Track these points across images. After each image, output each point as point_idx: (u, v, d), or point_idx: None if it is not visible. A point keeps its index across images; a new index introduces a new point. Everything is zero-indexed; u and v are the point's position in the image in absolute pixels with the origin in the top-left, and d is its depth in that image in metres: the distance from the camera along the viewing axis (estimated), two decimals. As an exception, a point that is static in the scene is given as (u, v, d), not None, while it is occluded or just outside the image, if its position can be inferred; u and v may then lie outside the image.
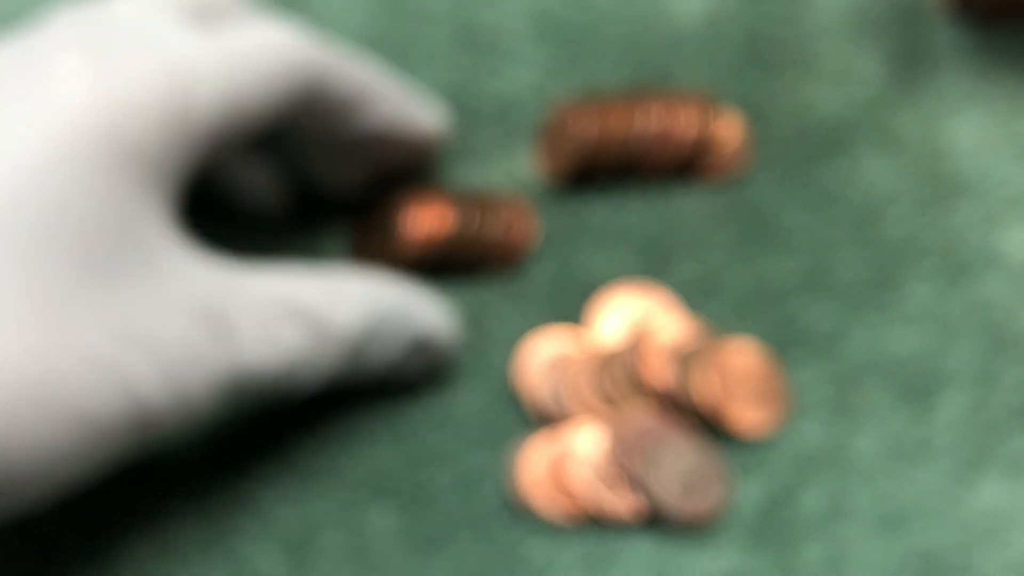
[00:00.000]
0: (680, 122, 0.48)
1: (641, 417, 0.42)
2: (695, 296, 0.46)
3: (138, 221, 0.35)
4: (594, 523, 0.41)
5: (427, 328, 0.42)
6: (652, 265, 0.47)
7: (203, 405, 0.35)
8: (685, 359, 0.43)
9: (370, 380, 0.41)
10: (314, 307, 0.38)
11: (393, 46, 0.53)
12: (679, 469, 0.41)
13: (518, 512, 0.41)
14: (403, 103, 0.44)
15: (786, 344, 0.45)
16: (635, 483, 0.41)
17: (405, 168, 0.47)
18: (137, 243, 0.34)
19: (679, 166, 0.48)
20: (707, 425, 0.43)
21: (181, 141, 0.36)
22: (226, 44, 0.38)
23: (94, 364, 0.33)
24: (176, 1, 0.39)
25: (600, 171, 0.48)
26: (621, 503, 0.41)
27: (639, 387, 0.43)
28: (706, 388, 0.42)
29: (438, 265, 0.46)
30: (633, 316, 0.45)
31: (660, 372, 0.43)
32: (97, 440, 0.33)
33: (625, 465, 0.41)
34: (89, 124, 0.34)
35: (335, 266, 0.43)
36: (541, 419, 0.43)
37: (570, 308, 0.46)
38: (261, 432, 0.43)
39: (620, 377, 0.43)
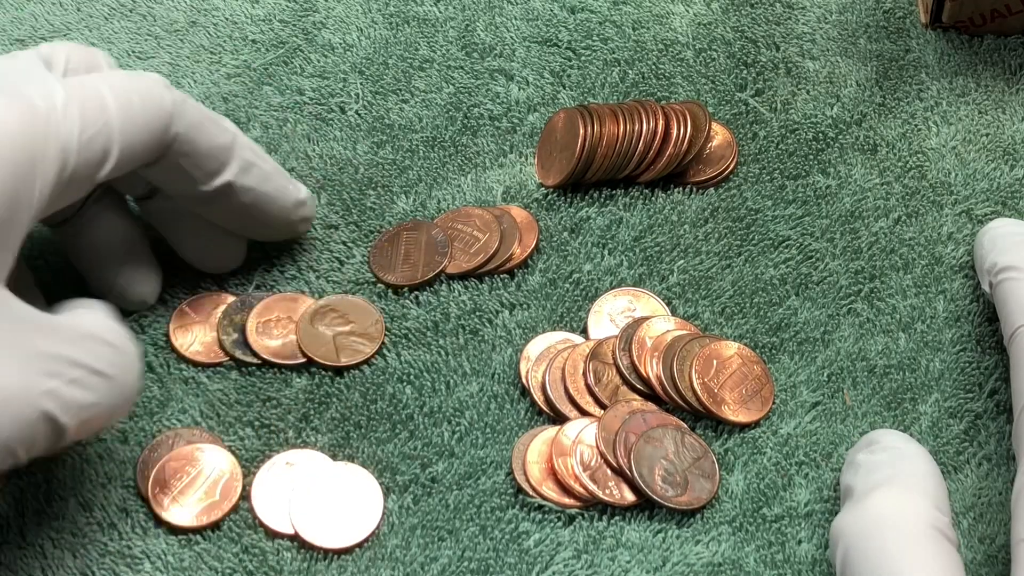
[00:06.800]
0: (673, 129, 0.49)
1: (635, 413, 0.43)
2: (687, 297, 0.47)
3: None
4: (592, 514, 0.42)
5: None
6: (645, 267, 0.48)
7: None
8: (677, 358, 0.44)
9: None
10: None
11: (395, 53, 0.54)
12: (671, 463, 0.42)
13: (520, 503, 0.42)
14: (270, 174, 0.44)
15: (775, 345, 0.46)
16: (629, 477, 0.42)
17: (271, 239, 0.47)
18: None
19: (672, 171, 0.49)
20: (698, 421, 0.44)
21: (40, 191, 0.37)
22: (91, 88, 0.39)
23: None
24: (48, 54, 0.41)
25: (596, 176, 0.49)
26: (617, 495, 0.42)
27: (633, 385, 0.44)
28: (697, 386, 0.43)
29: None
30: (627, 316, 0.46)
31: (653, 370, 0.44)
32: None
33: (620, 459, 0.42)
34: None
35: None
36: (540, 415, 0.44)
37: (566, 308, 0.47)
38: (280, 436, 0.44)
39: (614, 375, 0.44)
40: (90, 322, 0.38)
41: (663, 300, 0.47)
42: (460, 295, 0.47)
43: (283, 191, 0.45)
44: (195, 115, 0.41)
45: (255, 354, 0.45)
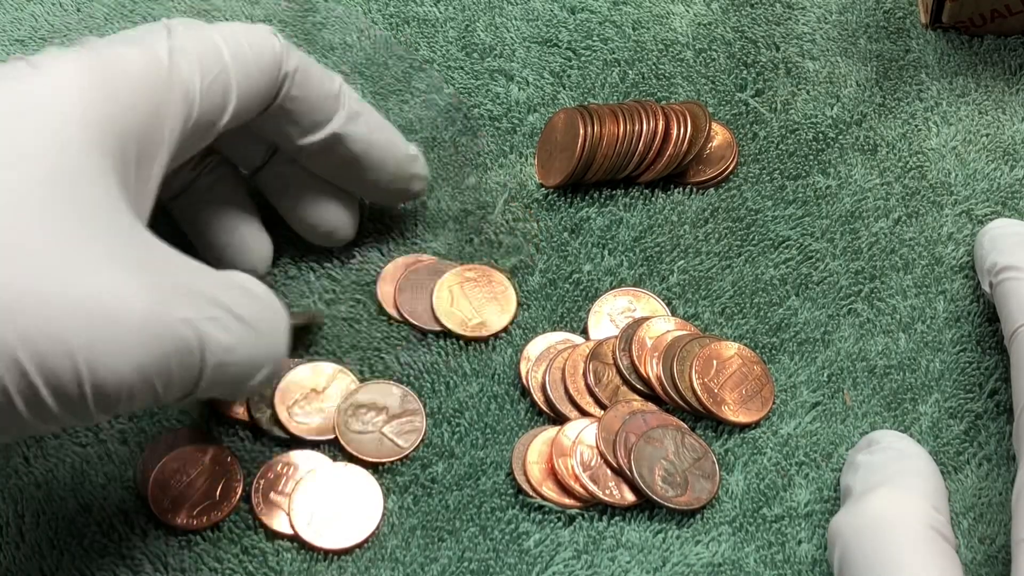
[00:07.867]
0: (673, 129, 0.49)
1: (635, 414, 0.43)
2: (687, 297, 0.47)
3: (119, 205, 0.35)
4: (592, 514, 0.42)
5: None
6: (645, 267, 0.48)
7: None
8: (677, 358, 0.44)
9: None
10: None
11: (395, 53, 0.54)
12: (671, 463, 0.42)
13: (520, 504, 0.42)
14: (379, 125, 0.45)
15: (775, 345, 0.46)
16: (629, 477, 0.42)
17: (387, 200, 0.48)
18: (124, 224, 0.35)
19: (672, 171, 0.49)
20: (698, 421, 0.44)
21: (170, 133, 0.37)
22: (205, 37, 0.39)
23: None
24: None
25: (596, 176, 0.49)
26: (617, 495, 0.42)
27: (633, 385, 0.44)
28: (697, 387, 0.44)
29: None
30: (627, 316, 0.46)
31: (653, 371, 0.44)
32: None
33: (620, 459, 0.42)
34: (83, 115, 0.35)
35: None
36: (540, 416, 0.44)
37: (566, 308, 0.47)
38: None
39: (614, 375, 0.44)
40: (238, 275, 0.38)
41: (663, 300, 0.47)
42: (460, 295, 0.47)
43: (393, 143, 0.45)
44: (302, 60, 0.42)
45: (290, 434, 0.44)
